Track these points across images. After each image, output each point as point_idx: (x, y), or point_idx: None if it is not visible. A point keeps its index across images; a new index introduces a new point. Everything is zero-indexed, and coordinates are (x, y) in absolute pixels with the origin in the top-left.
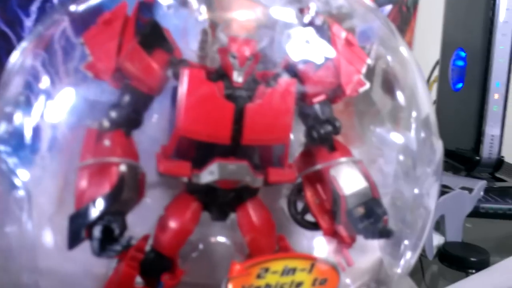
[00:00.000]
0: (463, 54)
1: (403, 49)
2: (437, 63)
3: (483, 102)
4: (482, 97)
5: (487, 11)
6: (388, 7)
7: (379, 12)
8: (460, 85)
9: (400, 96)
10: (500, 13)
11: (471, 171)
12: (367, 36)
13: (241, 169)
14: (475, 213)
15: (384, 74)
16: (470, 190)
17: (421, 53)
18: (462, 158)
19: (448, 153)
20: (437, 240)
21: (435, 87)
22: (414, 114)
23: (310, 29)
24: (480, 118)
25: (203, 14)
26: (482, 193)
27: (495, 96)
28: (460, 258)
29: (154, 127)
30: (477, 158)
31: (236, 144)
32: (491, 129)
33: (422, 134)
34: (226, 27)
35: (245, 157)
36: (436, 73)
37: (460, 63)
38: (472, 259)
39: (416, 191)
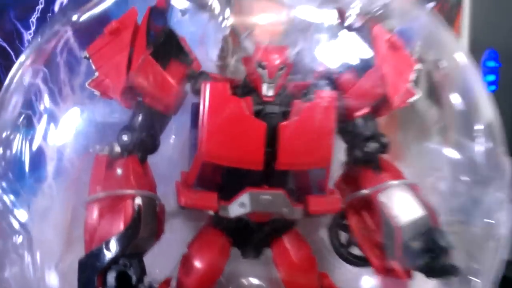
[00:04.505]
0: (495, 54)
1: (456, 50)
2: None
3: None
4: None
5: None
6: (430, 5)
7: (426, 9)
8: (493, 87)
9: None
10: None
11: None
12: (408, 36)
13: (276, 199)
14: None
15: (433, 79)
16: None
17: None
18: None
19: None
20: None
21: None
22: (475, 124)
23: (349, 33)
24: None
25: (228, 18)
26: None
27: None
28: None
29: (172, 149)
30: None
31: (269, 169)
32: None
33: (486, 146)
34: (249, 33)
35: (280, 184)
36: None
37: (492, 63)
38: None
39: (485, 220)
